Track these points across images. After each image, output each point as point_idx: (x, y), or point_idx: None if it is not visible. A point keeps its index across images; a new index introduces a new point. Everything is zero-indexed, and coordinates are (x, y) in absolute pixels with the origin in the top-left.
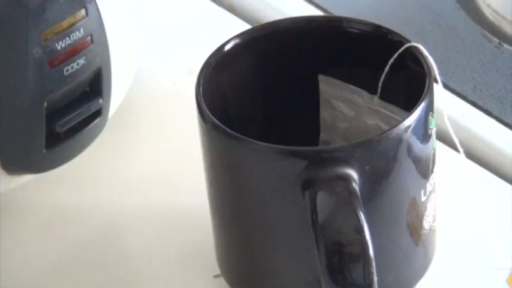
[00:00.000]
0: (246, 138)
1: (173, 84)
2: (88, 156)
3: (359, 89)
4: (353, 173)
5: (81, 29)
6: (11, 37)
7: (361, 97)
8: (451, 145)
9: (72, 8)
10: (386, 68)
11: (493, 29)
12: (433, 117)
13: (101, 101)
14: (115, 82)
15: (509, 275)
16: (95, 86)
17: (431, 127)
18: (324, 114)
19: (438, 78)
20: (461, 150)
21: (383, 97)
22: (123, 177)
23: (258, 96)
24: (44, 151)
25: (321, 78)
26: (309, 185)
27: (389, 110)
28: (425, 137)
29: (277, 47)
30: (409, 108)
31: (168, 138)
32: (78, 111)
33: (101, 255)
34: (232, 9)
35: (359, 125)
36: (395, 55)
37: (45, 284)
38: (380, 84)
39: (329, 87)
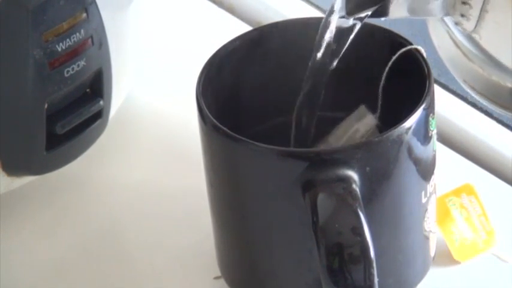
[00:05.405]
0: (247, 139)
1: (173, 85)
2: (88, 157)
3: None
4: (353, 175)
5: (82, 31)
6: (12, 38)
7: None
8: (452, 147)
9: (73, 9)
10: (386, 69)
11: None
12: (433, 118)
13: (101, 102)
14: (115, 83)
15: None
16: (96, 88)
17: (431, 129)
18: None
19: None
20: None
21: (383, 99)
22: (124, 178)
23: (258, 97)
24: (45, 153)
25: None
26: (309, 187)
27: None
28: (426, 139)
29: (277, 48)
30: (410, 110)
31: (169, 140)
32: (79, 112)
33: (101, 257)
34: (232, 11)
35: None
36: (395, 57)
37: (46, 284)
38: (381, 84)
39: None
